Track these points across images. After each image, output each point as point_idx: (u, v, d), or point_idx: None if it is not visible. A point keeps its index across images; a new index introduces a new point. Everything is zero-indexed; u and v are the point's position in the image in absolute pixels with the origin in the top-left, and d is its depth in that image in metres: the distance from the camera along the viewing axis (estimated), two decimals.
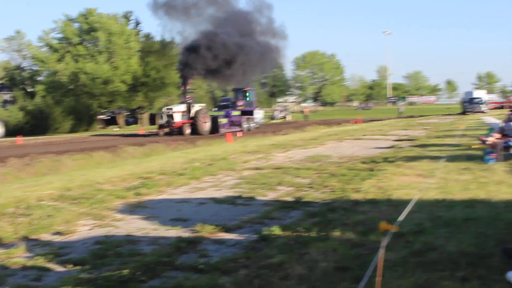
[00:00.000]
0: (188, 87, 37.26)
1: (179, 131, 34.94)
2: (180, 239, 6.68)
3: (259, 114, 43.52)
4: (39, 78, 65.70)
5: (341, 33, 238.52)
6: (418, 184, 9.86)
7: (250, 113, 41.21)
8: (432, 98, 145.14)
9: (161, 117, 36.19)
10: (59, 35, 60.20)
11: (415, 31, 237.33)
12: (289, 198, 9.47)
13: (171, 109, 36.08)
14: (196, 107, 36.67)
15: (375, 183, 10.30)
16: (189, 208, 9.03)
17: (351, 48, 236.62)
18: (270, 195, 9.90)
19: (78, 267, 5.72)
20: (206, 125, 35.99)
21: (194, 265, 5.57)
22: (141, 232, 7.26)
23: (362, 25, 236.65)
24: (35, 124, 53.12)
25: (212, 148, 22.40)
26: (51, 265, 5.87)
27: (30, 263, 5.92)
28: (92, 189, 10.84)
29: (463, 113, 62.69)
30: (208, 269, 5.41)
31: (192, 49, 35.67)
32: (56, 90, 58.33)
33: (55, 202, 9.59)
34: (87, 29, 59.08)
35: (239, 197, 9.76)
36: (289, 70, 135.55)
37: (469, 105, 64.46)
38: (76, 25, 60.16)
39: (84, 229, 7.63)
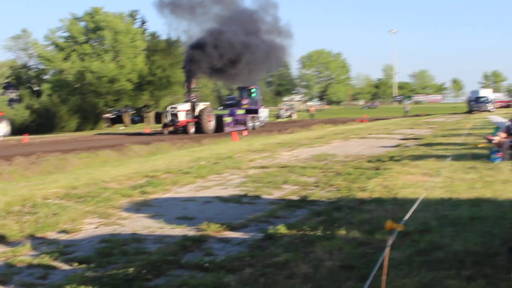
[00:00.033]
0: (192, 85, 37.26)
1: (183, 130, 34.93)
2: (185, 238, 6.69)
3: (264, 113, 43.48)
4: (45, 77, 66.00)
5: (347, 31, 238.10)
6: (424, 183, 9.84)
7: (255, 111, 41.19)
8: (438, 97, 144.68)
9: (166, 116, 36.22)
10: (65, 34, 60.49)
11: (421, 30, 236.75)
12: (294, 197, 9.46)
13: (175, 108, 36.06)
14: (200, 106, 36.65)
15: (381, 182, 10.29)
16: (195, 206, 9.04)
17: (357, 47, 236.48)
18: (276, 194, 9.90)
19: (83, 266, 5.73)
20: (211, 124, 35.97)
21: (200, 263, 5.57)
22: (147, 231, 7.27)
23: (368, 24, 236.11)
24: (41, 122, 53.26)
25: (217, 146, 22.42)
26: (56, 263, 5.88)
27: (36, 261, 5.93)
28: (97, 187, 10.86)
29: (469, 112, 62.53)
30: (213, 268, 5.40)
31: (197, 46, 35.64)
32: (62, 88, 58.52)
33: (61, 200, 9.61)
34: (93, 28, 59.25)
35: (245, 195, 9.76)
36: (295, 69, 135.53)
37: (475, 104, 64.29)
38: (82, 24, 60.38)
39: (90, 228, 7.65)
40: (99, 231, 7.39)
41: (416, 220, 6.73)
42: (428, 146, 17.59)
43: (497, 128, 16.30)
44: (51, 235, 7.25)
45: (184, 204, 9.27)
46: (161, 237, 6.90)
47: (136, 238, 6.83)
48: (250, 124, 39.27)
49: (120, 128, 59.59)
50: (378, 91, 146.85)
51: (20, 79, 73.76)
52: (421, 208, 7.22)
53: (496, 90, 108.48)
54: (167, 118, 35.83)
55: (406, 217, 5.78)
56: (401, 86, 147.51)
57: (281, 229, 6.78)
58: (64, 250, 6.37)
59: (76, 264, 5.82)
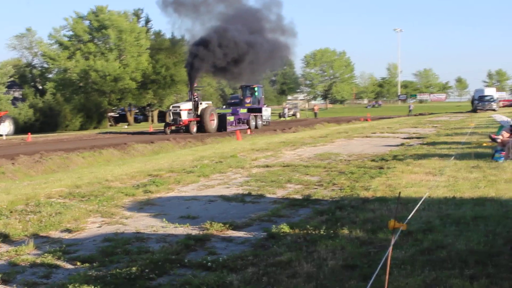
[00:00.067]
0: (195, 84, 37.22)
1: (185, 129, 34.88)
2: (188, 237, 6.70)
3: (267, 112, 43.37)
4: (49, 76, 66.15)
5: (351, 30, 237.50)
6: (427, 182, 9.84)
7: (258, 110, 41.15)
8: (442, 96, 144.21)
9: (169, 115, 36.17)
10: (70, 33, 60.61)
11: (425, 29, 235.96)
12: (298, 196, 9.46)
13: (178, 107, 35.98)
14: (203, 105, 36.59)
15: (384, 181, 10.28)
16: (198, 205, 9.04)
17: (361, 45, 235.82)
18: (279, 193, 9.90)
19: (86, 265, 5.74)
20: (213, 123, 35.89)
21: (203, 262, 5.58)
22: (150, 230, 7.28)
23: (373, 23, 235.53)
24: (45, 121, 53.29)
25: (221, 145, 22.43)
26: (59, 262, 5.90)
27: (39, 260, 5.94)
28: (101, 186, 10.87)
29: (474, 111, 62.37)
30: (216, 267, 5.41)
31: (201, 44, 35.56)
32: (66, 87, 58.63)
33: (64, 199, 9.64)
34: (98, 26, 59.31)
35: (248, 194, 9.76)
36: (298, 68, 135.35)
37: (480, 103, 64.09)
38: (87, 22, 60.47)
39: (93, 227, 7.66)
40: (102, 230, 7.40)
41: (419, 219, 6.73)
42: (432, 145, 17.57)
43: (501, 127, 16.29)
44: (55, 234, 7.27)
45: (187, 203, 9.27)
46: (164, 236, 6.92)
47: (139, 237, 6.84)
48: (253, 123, 39.20)
49: (123, 127, 59.64)
50: (382, 90, 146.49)
51: (24, 77, 73.89)
52: (424, 207, 7.21)
53: (500, 89, 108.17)
54: (170, 117, 35.78)
55: (410, 216, 5.78)
56: (405, 85, 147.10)
57: (284, 228, 6.78)
58: (67, 249, 6.39)
59: (79, 263, 5.83)
